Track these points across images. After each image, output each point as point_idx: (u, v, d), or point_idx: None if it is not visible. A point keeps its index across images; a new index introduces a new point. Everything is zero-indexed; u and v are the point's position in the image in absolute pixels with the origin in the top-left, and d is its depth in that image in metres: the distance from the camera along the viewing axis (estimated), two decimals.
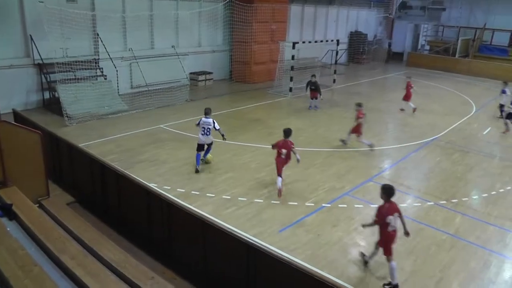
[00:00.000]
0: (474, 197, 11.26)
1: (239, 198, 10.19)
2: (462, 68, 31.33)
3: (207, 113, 11.60)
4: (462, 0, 35.42)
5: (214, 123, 11.45)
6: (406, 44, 37.79)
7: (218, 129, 11.49)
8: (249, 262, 6.27)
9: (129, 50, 19.43)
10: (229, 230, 6.83)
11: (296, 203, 10.07)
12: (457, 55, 33.47)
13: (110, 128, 14.80)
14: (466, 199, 11.05)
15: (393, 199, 7.39)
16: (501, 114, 17.24)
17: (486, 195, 11.39)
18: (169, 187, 10.51)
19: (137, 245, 7.92)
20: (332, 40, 25.44)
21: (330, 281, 5.58)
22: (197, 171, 11.51)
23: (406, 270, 7.85)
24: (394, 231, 7.32)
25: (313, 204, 10.04)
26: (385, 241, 7.39)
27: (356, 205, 10.23)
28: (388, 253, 7.36)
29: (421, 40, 37.60)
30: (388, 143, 15.28)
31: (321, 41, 25.55)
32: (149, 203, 7.88)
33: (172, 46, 21.30)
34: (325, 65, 28.66)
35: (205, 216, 7.39)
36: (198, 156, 11.66)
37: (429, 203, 10.63)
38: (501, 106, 17.68)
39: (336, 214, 9.72)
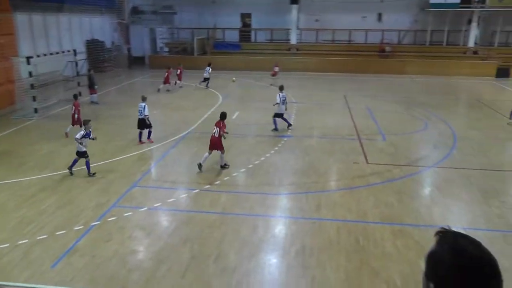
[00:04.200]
0: (234, 174, 12.40)
1: (0, 246, 8.84)
2: (203, 64, 33.90)
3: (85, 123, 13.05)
4: (190, 4, 38.54)
5: (87, 134, 12.72)
6: (145, 48, 38.93)
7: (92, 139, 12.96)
8: None
9: None
10: None
11: (64, 231, 9.32)
12: (195, 54, 36.28)
13: None
14: (228, 178, 12.12)
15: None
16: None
17: (244, 169, 12.73)
18: None
19: None
20: (69, 51, 24.27)
21: None
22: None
23: (186, 257, 8.19)
24: (214, 136, 12.48)
25: (82, 227, 9.49)
26: (212, 142, 12.57)
27: (125, 214, 10.08)
28: (220, 150, 12.64)
29: (159, 43, 39.34)
30: (145, 145, 15.42)
31: (57, 53, 24.05)
32: None
33: None
34: (68, 78, 27.10)
35: None
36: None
37: (194, 191, 11.25)
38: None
39: (108, 229, 9.43)
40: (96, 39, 33.76)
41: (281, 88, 17.12)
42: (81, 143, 12.38)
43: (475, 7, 34.32)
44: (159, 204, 10.54)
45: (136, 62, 37.30)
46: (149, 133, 15.59)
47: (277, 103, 16.76)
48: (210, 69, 26.59)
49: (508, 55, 33.72)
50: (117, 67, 34.14)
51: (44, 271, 7.96)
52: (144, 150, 14.90)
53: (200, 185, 11.56)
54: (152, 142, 15.48)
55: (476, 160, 13.91)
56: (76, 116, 16.38)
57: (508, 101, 20.16)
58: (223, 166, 12.70)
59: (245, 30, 39.66)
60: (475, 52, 35.15)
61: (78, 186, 11.80)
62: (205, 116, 19.16)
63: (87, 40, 33.05)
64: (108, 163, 13.47)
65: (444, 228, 1.90)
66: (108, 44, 35.18)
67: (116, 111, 20.53)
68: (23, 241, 9.03)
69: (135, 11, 38.72)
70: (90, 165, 12.44)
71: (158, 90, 24.92)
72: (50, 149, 15.01)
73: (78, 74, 23.63)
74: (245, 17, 39.84)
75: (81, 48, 31.26)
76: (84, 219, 9.89)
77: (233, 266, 7.86)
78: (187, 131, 16.81)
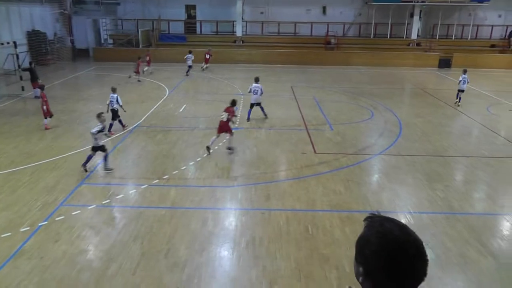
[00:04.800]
0: (183, 168, 12.31)
1: None
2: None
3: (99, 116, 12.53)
4: None
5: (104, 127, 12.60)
6: (89, 40, 37.63)
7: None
8: None
9: None
10: None
11: (9, 233, 8.90)
12: (140, 46, 35.47)
13: None
14: (176, 172, 12.01)
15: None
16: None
17: (192, 163, 12.66)
18: None
19: None
20: (8, 43, 23.09)
21: None
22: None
23: (136, 254, 8.07)
24: (223, 120, 13.16)
25: (28, 228, 9.09)
26: (220, 126, 13.28)
27: (73, 213, 9.76)
28: (229, 132, 13.44)
29: (103, 35, 38.22)
30: (91, 141, 15.01)
31: None
32: None
33: None
34: (9, 72, 25.79)
35: None
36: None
37: (143, 186, 11.07)
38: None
39: (56, 229, 9.11)
40: (38, 30, 32.29)
41: (256, 80, 17.31)
42: (96, 138, 12.05)
43: (416, 2, 35.66)
44: (108, 201, 10.31)
45: (80, 54, 36.04)
46: (110, 125, 15.46)
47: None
48: (193, 57, 28.02)
49: (449, 47, 35.34)
50: (60, 59, 32.97)
51: None
52: (92, 145, 14.49)
53: (148, 180, 11.39)
54: (113, 134, 15.42)
55: (421, 147, 14.52)
56: (45, 107, 16.14)
57: (449, 90, 21.11)
58: (230, 148, 13.49)
59: (190, 22, 39.45)
60: (418, 44, 36.53)
61: (23, 186, 11.29)
62: (152, 109, 18.84)
63: (28, 31, 31.60)
64: (55, 160, 12.99)
65: (373, 214, 1.97)
66: (50, 36, 33.78)
67: (61, 106, 19.74)
68: None
69: (77, 1, 37.40)
70: (88, 161, 12.15)
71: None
72: None
73: (19, 68, 22.52)
74: (190, 8, 39.62)
75: (21, 39, 29.85)
76: (30, 219, 9.50)
77: (184, 260, 7.84)
78: (134, 125, 16.47)
